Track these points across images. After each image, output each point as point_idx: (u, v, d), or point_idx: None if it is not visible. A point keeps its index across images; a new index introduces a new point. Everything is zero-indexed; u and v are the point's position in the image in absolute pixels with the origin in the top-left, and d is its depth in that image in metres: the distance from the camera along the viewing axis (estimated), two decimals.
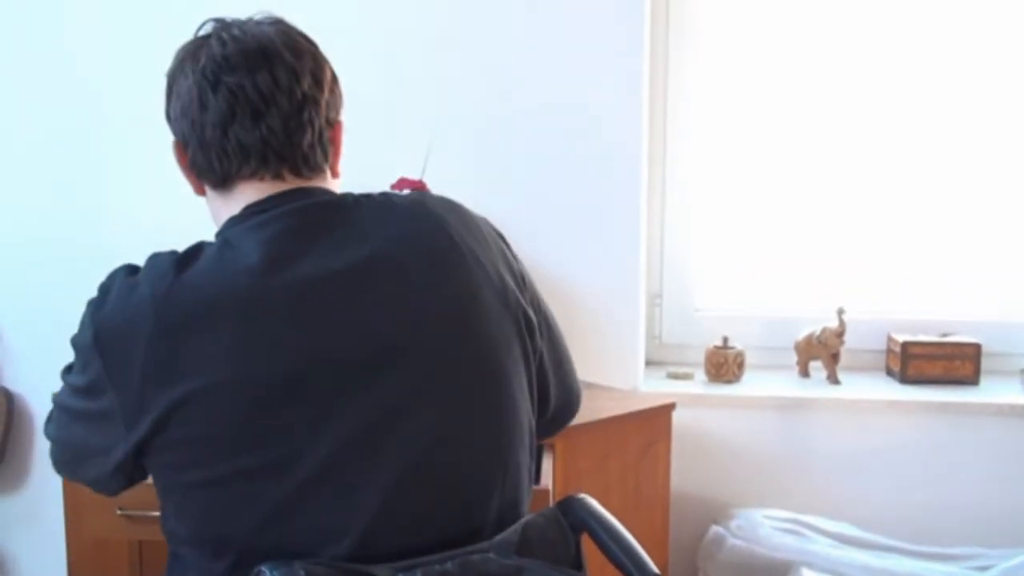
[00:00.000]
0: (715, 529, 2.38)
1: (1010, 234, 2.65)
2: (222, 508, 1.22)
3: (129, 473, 1.31)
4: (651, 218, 2.64)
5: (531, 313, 1.38)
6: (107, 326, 1.24)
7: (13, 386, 2.62)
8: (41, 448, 2.61)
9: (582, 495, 1.40)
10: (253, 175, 1.32)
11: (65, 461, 1.40)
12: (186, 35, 1.41)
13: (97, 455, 1.29)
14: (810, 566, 2.20)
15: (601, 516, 1.38)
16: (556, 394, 1.48)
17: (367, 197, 1.34)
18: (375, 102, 2.36)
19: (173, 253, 1.26)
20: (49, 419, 1.41)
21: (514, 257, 1.42)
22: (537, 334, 1.40)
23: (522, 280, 1.41)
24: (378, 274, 1.25)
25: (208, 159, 1.32)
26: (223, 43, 1.31)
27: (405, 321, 1.25)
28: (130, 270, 1.27)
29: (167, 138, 1.40)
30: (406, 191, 2.17)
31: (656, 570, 1.33)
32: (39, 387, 2.56)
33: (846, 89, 2.64)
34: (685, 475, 2.44)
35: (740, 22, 2.65)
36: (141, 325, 1.20)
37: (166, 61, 1.39)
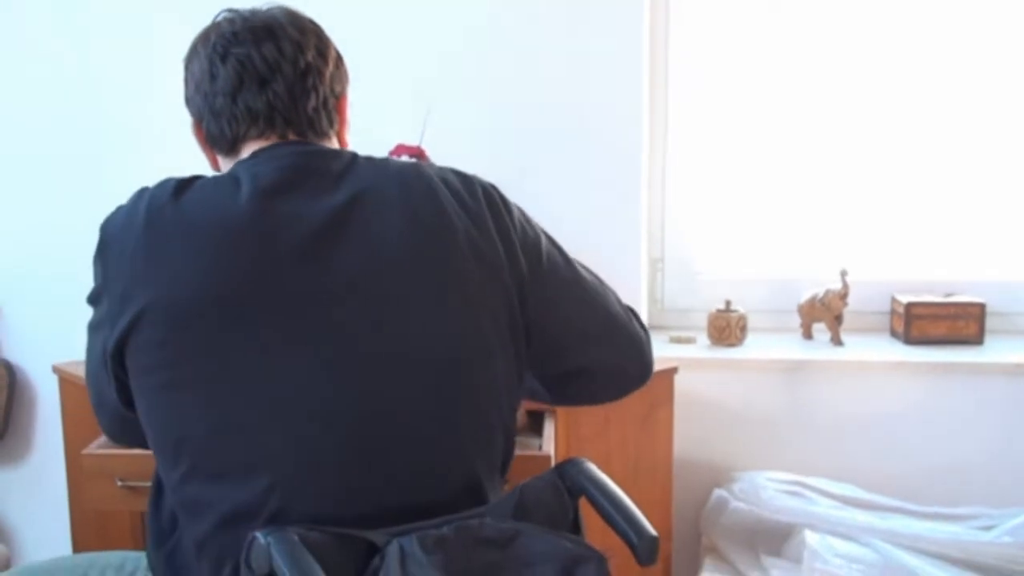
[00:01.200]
0: (718, 493, 2.38)
1: (1014, 192, 2.63)
2: (180, 411, 1.26)
3: (124, 388, 1.32)
4: (652, 182, 2.63)
5: (527, 283, 1.37)
6: (109, 234, 1.31)
7: (14, 358, 2.62)
8: (43, 420, 2.62)
9: (579, 459, 1.40)
10: (260, 136, 1.39)
11: (94, 404, 1.43)
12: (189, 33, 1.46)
13: (100, 370, 1.34)
14: (813, 528, 2.19)
15: (598, 479, 1.37)
16: (598, 356, 1.48)
17: (364, 156, 1.39)
18: (372, 68, 2.34)
19: (182, 178, 1.33)
20: None
21: (519, 226, 1.40)
22: (536, 299, 1.38)
23: (523, 249, 1.38)
24: (355, 215, 1.29)
25: (220, 126, 1.39)
26: (232, 22, 1.40)
27: (372, 262, 1.27)
28: (142, 190, 1.34)
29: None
30: (404, 157, 2.17)
31: (654, 532, 1.32)
32: (40, 359, 2.57)
33: (847, 50, 2.61)
34: (688, 439, 2.44)
35: None
36: (132, 232, 1.28)
37: (170, 51, 1.43)
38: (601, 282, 1.51)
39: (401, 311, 1.27)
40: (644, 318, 2.55)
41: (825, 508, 2.28)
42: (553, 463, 1.86)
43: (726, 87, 2.65)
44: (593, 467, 1.39)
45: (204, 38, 1.41)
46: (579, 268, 1.48)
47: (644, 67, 2.42)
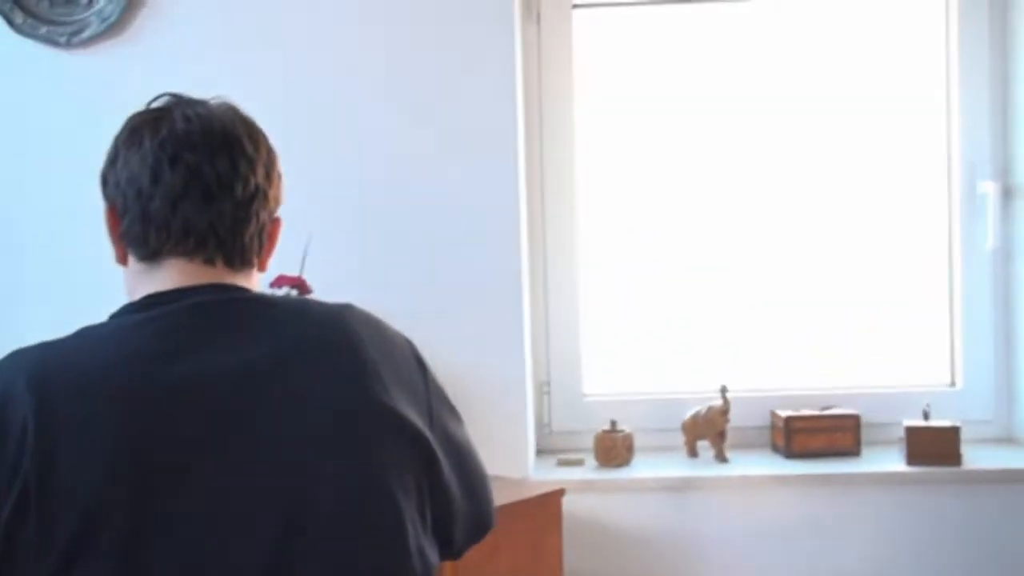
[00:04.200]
0: None
1: (882, 307, 2.74)
2: None
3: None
4: (535, 306, 2.66)
5: (435, 449, 1.31)
6: None
7: None
8: None
9: None
10: (185, 255, 1.28)
11: None
12: None
13: None
14: None
15: None
16: (464, 526, 1.40)
17: (282, 299, 1.33)
18: None
19: (47, 344, 1.22)
20: None
21: (428, 387, 1.36)
22: (438, 469, 1.32)
23: (430, 413, 1.33)
24: (265, 379, 1.21)
25: (145, 231, 1.27)
26: (187, 120, 1.28)
27: (286, 426, 1.20)
28: None
29: None
30: (284, 288, 2.16)
31: None
32: None
33: (715, 168, 2.73)
34: (580, 562, 2.41)
35: (613, 108, 2.73)
36: (16, 404, 1.15)
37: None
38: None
39: (315, 478, 1.20)
40: (532, 441, 2.56)
41: None
42: None
43: (601, 211, 2.73)
44: None
45: (153, 128, 1.28)
46: (470, 442, 1.43)
47: (520, 192, 2.48)
